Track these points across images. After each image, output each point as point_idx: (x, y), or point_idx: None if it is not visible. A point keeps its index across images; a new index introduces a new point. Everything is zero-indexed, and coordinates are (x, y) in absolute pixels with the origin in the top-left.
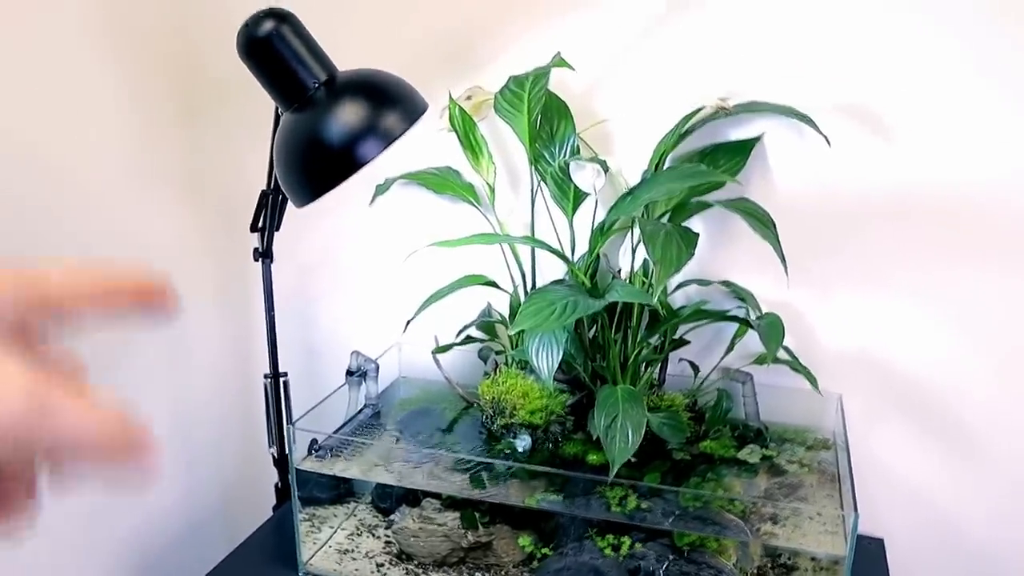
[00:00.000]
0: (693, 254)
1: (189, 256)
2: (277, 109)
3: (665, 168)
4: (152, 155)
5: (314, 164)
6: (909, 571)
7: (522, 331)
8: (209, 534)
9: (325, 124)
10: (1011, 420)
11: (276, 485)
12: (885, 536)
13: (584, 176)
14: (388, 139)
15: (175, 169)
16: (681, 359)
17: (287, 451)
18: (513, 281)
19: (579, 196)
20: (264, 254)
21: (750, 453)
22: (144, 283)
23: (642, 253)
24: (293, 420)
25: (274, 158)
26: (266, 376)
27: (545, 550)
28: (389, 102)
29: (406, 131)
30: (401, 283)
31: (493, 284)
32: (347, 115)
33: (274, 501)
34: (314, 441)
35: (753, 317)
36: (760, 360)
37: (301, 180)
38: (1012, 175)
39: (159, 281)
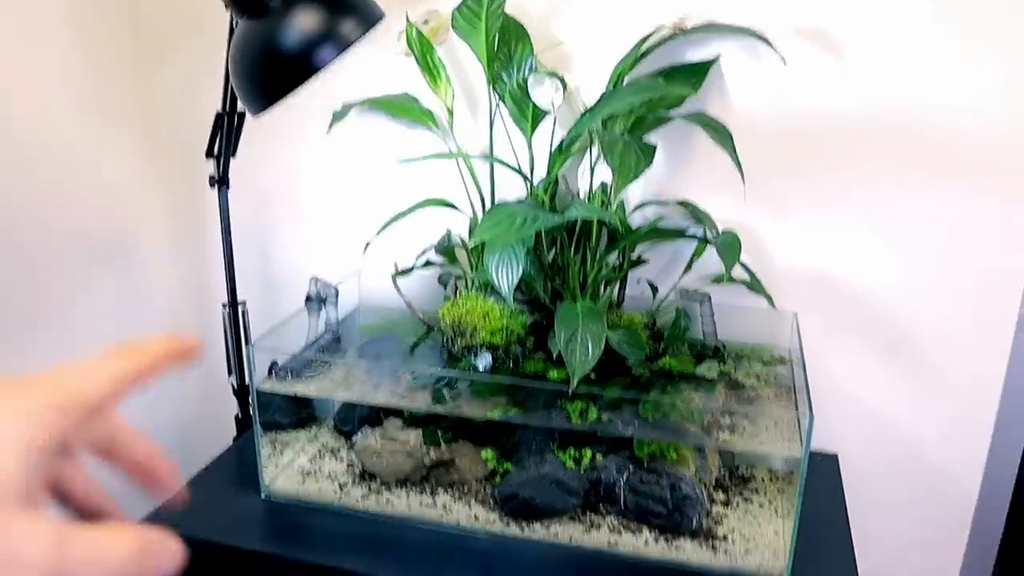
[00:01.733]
0: (651, 163)
1: (144, 187)
2: (232, 21)
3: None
4: (102, 86)
5: (271, 70)
6: (862, 486)
7: (482, 251)
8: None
9: (281, 30)
10: (962, 340)
11: (236, 416)
12: (839, 452)
13: (543, 92)
14: (344, 44)
15: (127, 100)
16: (640, 279)
17: (247, 374)
18: (472, 205)
19: (537, 115)
20: (220, 181)
21: (708, 369)
22: (174, 346)
23: (600, 173)
24: (252, 341)
25: (230, 67)
26: (224, 305)
27: (507, 465)
28: (345, 8)
29: (362, 37)
30: (360, 210)
31: (452, 206)
32: (303, 21)
33: (235, 433)
34: (274, 363)
35: (710, 235)
36: (718, 279)
37: (258, 86)
38: (969, 98)
39: (185, 339)
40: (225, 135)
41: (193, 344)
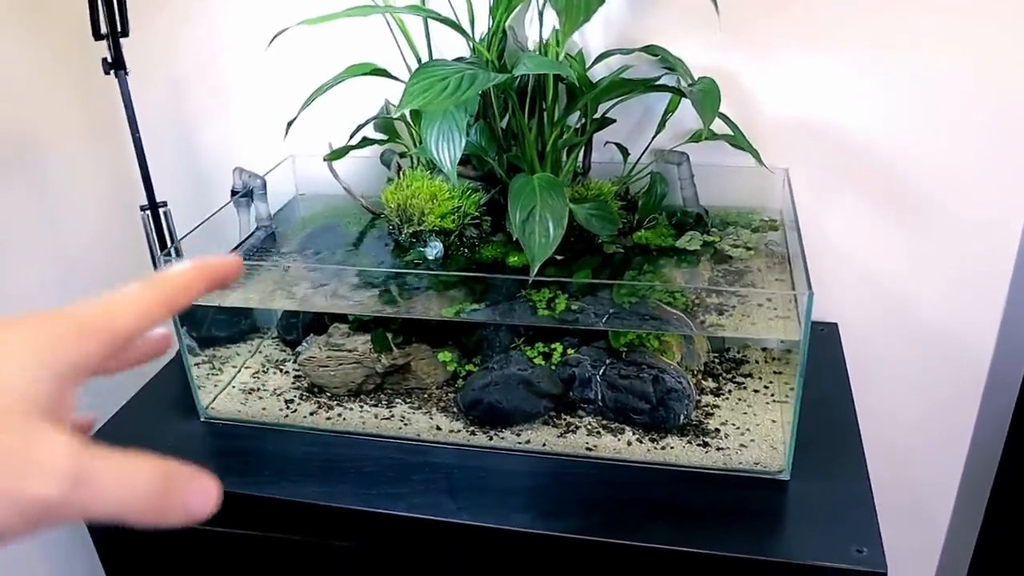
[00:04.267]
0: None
1: (42, 81)
2: None
3: None
4: None
5: None
6: (864, 356)
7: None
8: (105, 393)
9: None
10: (972, 184)
11: (175, 332)
12: (838, 320)
13: None
14: None
15: None
16: (607, 142)
17: None
18: (409, 71)
19: None
20: (115, 64)
21: (690, 240)
22: (208, 270)
23: (551, 20)
24: (171, 246)
25: None
26: (143, 208)
27: (469, 366)
28: None
29: None
30: (286, 91)
31: (384, 72)
32: None
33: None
34: None
35: (685, 85)
36: (696, 137)
37: None
38: None
39: (220, 261)
40: (106, 10)
41: (230, 264)
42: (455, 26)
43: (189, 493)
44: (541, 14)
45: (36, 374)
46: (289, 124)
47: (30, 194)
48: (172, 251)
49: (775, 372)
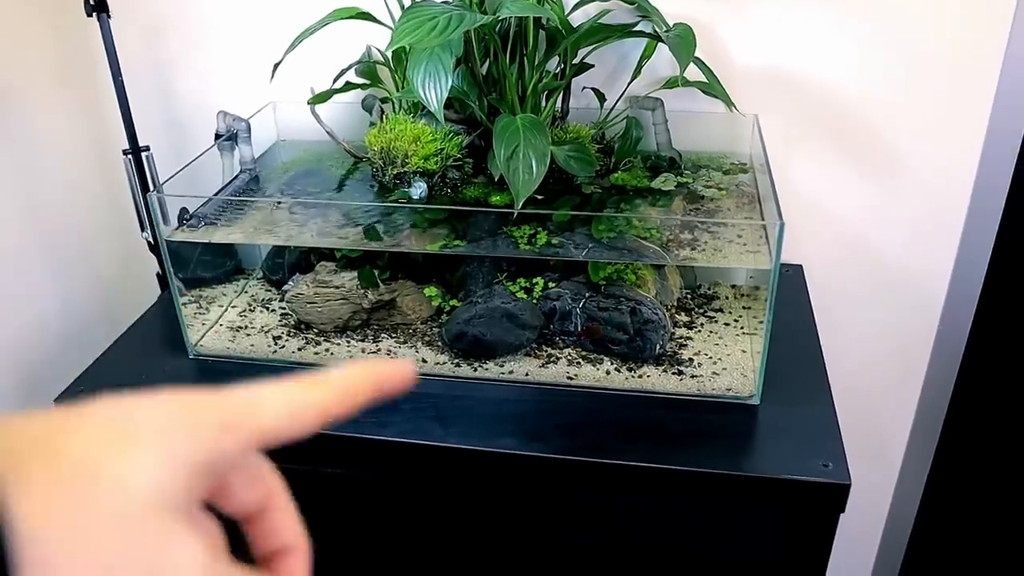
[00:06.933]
0: None
1: (16, 24)
2: None
3: None
4: None
5: None
6: (827, 297)
7: (405, 67)
8: (93, 337)
9: None
10: (931, 138)
11: (157, 274)
12: (803, 262)
13: None
14: None
15: None
16: (585, 87)
17: (153, 223)
18: (392, 16)
19: None
20: (97, 6)
21: (664, 181)
22: (378, 376)
23: None
24: (157, 187)
25: None
26: (125, 152)
27: (454, 302)
28: None
29: None
30: (271, 36)
31: (368, 16)
32: None
33: (159, 292)
34: (184, 210)
35: (661, 31)
36: (671, 83)
37: None
38: None
39: (393, 367)
40: None
41: (404, 372)
42: None
43: None
44: None
45: (174, 467)
46: (275, 66)
47: (4, 141)
48: (158, 192)
49: (744, 307)
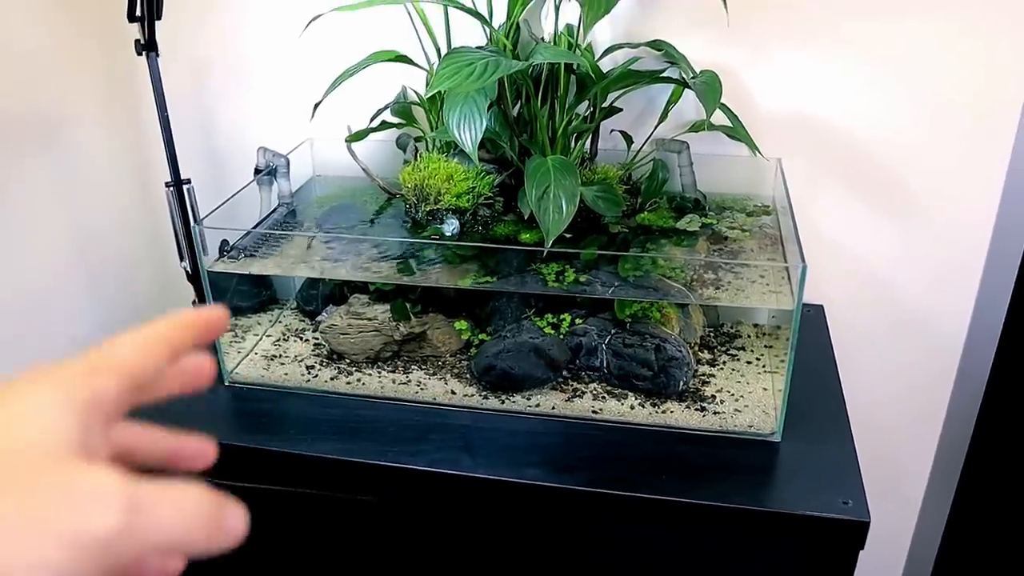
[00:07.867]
0: None
1: (67, 59)
2: None
3: None
4: None
5: None
6: (847, 337)
7: (441, 108)
8: None
9: None
10: (951, 182)
11: (193, 303)
12: (824, 302)
13: None
14: None
15: None
16: (613, 130)
17: (196, 253)
18: (428, 57)
19: None
20: (147, 46)
21: (689, 222)
22: (199, 321)
23: (565, 15)
24: (198, 220)
25: None
26: (167, 184)
27: (483, 336)
28: None
29: None
30: (308, 74)
31: (406, 59)
32: None
33: None
34: (224, 242)
35: (688, 77)
36: (697, 127)
37: None
38: None
39: (208, 314)
40: None
41: (214, 316)
42: (478, 16)
43: (231, 513)
44: (558, 8)
45: (57, 416)
46: (316, 106)
47: (52, 171)
48: (200, 225)
49: (766, 346)
